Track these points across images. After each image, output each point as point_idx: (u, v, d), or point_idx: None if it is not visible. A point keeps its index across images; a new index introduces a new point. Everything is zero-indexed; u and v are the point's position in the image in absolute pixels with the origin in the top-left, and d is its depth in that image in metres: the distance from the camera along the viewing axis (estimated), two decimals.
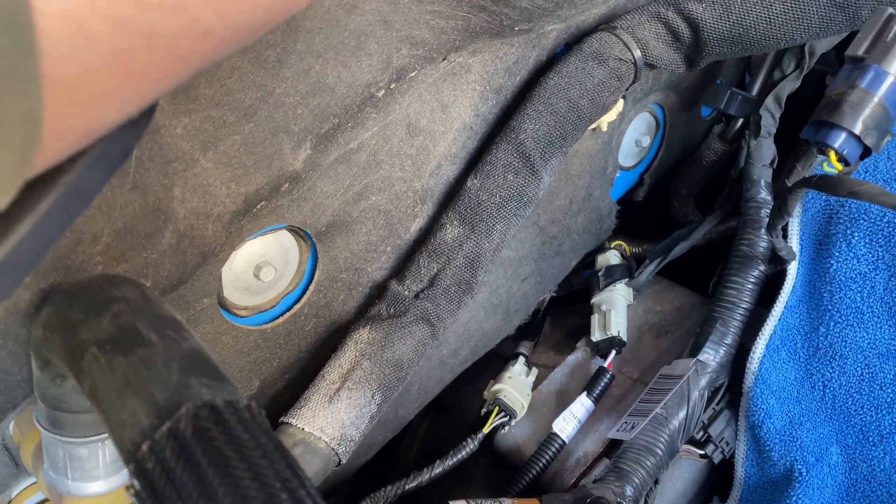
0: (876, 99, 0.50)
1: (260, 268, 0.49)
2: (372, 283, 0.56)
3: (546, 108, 0.54)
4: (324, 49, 0.45)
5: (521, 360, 0.71)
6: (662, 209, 0.82)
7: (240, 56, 0.42)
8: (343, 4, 0.45)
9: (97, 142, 0.25)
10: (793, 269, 0.63)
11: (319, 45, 0.45)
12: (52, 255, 0.38)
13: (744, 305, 0.63)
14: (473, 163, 0.57)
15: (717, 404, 0.63)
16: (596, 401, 0.66)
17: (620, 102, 0.61)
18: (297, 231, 0.51)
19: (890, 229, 0.60)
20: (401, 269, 0.56)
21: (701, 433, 0.62)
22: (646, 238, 0.79)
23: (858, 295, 0.60)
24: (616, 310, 0.70)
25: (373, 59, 0.48)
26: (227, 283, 0.49)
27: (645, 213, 0.80)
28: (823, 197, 0.63)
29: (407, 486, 0.61)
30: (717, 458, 0.63)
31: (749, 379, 0.62)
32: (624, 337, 0.69)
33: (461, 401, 0.75)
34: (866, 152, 0.51)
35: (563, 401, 0.69)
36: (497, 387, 0.68)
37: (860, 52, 0.50)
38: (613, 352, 0.68)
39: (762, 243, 0.63)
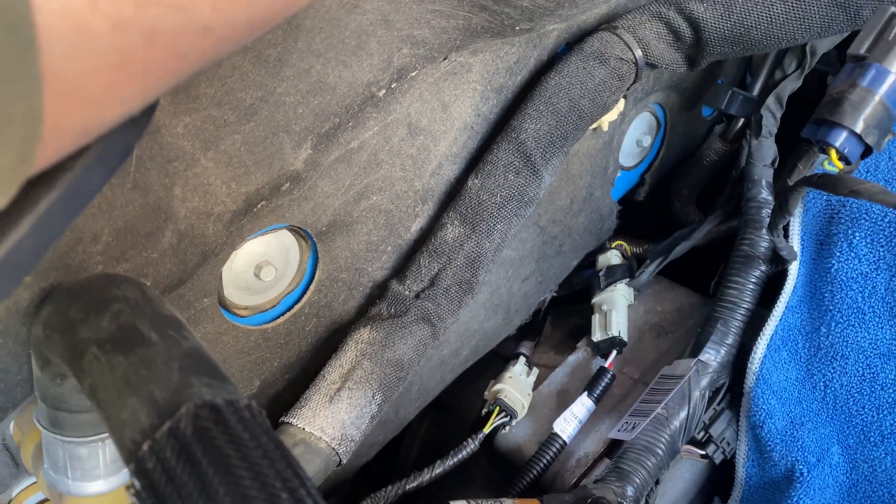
0: (877, 97, 0.49)
1: (260, 267, 0.49)
2: (373, 283, 0.56)
3: (547, 107, 0.54)
4: (325, 48, 0.45)
5: (522, 360, 0.71)
6: (663, 209, 0.82)
7: (240, 55, 0.42)
8: (344, 4, 0.45)
9: (97, 140, 0.25)
10: (794, 269, 0.63)
11: (320, 45, 0.45)
12: (53, 254, 0.38)
13: (745, 305, 0.63)
14: (474, 162, 0.57)
15: (718, 404, 0.63)
16: (597, 401, 0.66)
17: (621, 102, 0.61)
18: (297, 231, 0.50)
19: (891, 229, 0.59)
20: (401, 268, 0.56)
21: (702, 433, 0.62)
22: (647, 238, 0.79)
23: (860, 295, 0.60)
24: (617, 310, 0.70)
25: (374, 59, 0.48)
26: (228, 282, 0.49)
27: (646, 213, 0.80)
28: (825, 197, 0.63)
29: (407, 486, 0.61)
30: (718, 458, 0.63)
31: (750, 379, 0.62)
32: (625, 337, 0.69)
33: (462, 401, 0.75)
34: (867, 151, 0.51)
35: (563, 401, 0.69)
36: (498, 387, 0.68)
37: (862, 51, 0.50)
38: (614, 352, 0.68)
39: (763, 243, 0.63)
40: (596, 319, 0.71)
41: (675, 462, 0.62)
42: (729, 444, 0.63)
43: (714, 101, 0.72)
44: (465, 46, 0.52)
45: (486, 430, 0.64)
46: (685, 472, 0.63)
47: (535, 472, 0.63)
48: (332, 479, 0.63)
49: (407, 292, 0.53)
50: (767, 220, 0.64)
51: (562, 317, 0.79)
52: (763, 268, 0.63)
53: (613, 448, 0.63)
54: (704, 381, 0.61)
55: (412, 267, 0.54)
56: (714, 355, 0.62)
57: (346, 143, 0.49)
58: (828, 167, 0.52)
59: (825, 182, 0.55)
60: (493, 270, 0.63)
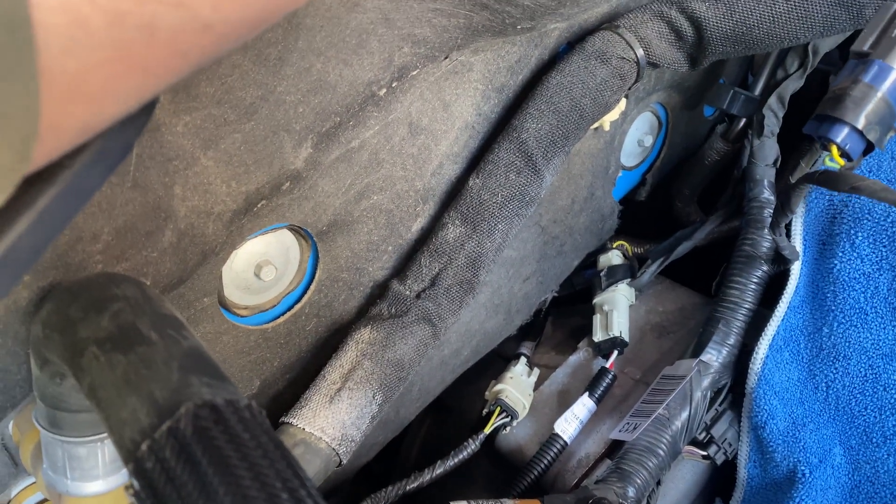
0: (879, 94, 0.49)
1: (261, 267, 0.49)
2: (373, 283, 0.56)
3: (548, 107, 0.54)
4: (325, 47, 0.45)
5: (523, 360, 0.71)
6: (665, 209, 0.81)
7: (241, 54, 0.41)
8: (345, 2, 0.45)
9: (97, 138, 0.25)
10: (796, 269, 0.63)
11: (321, 43, 0.45)
12: (52, 253, 0.38)
13: (747, 306, 0.63)
14: (475, 162, 0.57)
15: (719, 405, 0.63)
16: (598, 401, 0.66)
17: (623, 102, 0.61)
18: (297, 230, 0.50)
19: (894, 229, 0.59)
20: (402, 268, 0.55)
21: (703, 434, 0.62)
22: (648, 238, 0.78)
23: (862, 295, 0.60)
24: (618, 310, 0.70)
25: (374, 58, 0.47)
26: (228, 282, 0.49)
27: (647, 213, 0.79)
28: (827, 196, 0.63)
29: (408, 487, 0.61)
30: (719, 459, 0.63)
31: (752, 379, 0.62)
32: (626, 337, 0.69)
33: (462, 401, 0.75)
34: (869, 148, 0.50)
35: (564, 401, 0.68)
36: (498, 387, 0.67)
37: (865, 48, 0.50)
38: (615, 352, 0.68)
39: (765, 243, 0.63)
40: (597, 320, 0.71)
41: (676, 463, 0.62)
42: (730, 444, 0.63)
43: (716, 101, 0.71)
44: (467, 45, 0.52)
45: (487, 430, 0.64)
46: (686, 473, 0.63)
47: (535, 473, 0.63)
48: (332, 480, 0.63)
49: (408, 292, 0.53)
50: (769, 220, 0.63)
51: (563, 317, 0.79)
52: (765, 268, 0.63)
53: (615, 449, 0.62)
54: (706, 382, 0.61)
55: (413, 267, 0.54)
56: (716, 356, 0.62)
57: (347, 143, 0.48)
58: (829, 164, 0.52)
59: (826, 179, 0.55)
60: (494, 270, 0.63)
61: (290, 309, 0.53)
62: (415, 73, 0.50)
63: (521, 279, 0.66)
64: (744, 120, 0.73)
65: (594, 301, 0.72)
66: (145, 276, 0.42)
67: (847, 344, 0.60)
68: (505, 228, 0.54)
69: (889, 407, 0.59)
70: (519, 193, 0.54)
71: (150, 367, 0.29)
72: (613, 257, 0.75)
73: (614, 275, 0.73)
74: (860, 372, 0.60)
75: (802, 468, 0.60)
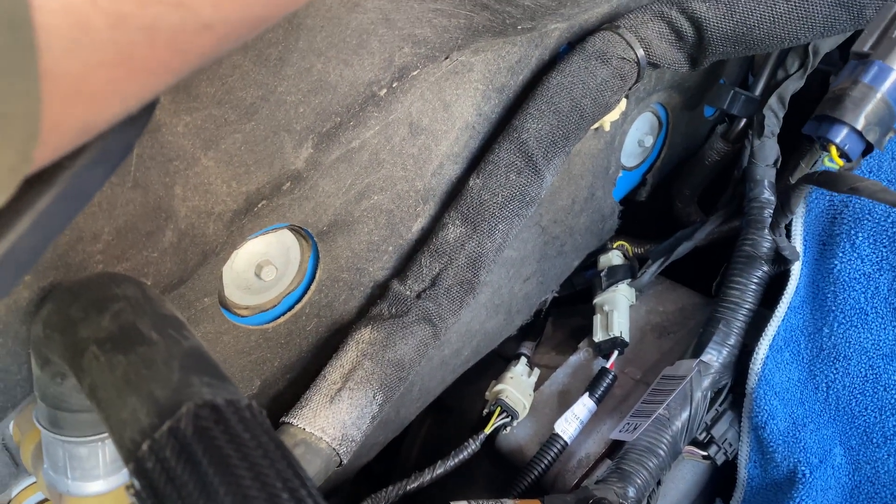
0: (879, 95, 0.49)
1: (261, 267, 0.49)
2: (373, 283, 0.56)
3: (549, 107, 0.54)
4: (326, 47, 0.45)
5: (523, 360, 0.71)
6: (665, 209, 0.81)
7: (241, 54, 0.42)
8: (345, 2, 0.45)
9: (97, 138, 0.25)
10: (796, 269, 0.63)
11: (321, 44, 0.45)
12: (53, 253, 0.38)
13: (747, 306, 0.63)
14: (476, 162, 0.57)
15: (719, 405, 0.63)
16: (598, 401, 0.66)
17: (623, 102, 0.61)
18: (298, 230, 0.50)
19: (894, 229, 0.59)
20: (402, 268, 0.55)
21: (704, 434, 0.62)
22: (648, 238, 0.78)
23: (862, 296, 0.60)
24: (618, 310, 0.70)
25: (375, 58, 0.47)
26: (229, 282, 0.49)
27: (647, 213, 0.79)
28: (827, 197, 0.63)
29: (408, 487, 0.61)
30: (719, 459, 0.63)
31: (752, 380, 0.62)
32: (626, 337, 0.69)
33: (463, 401, 0.75)
34: (868, 149, 0.50)
35: (565, 401, 0.68)
36: (499, 387, 0.67)
37: (865, 48, 0.50)
38: (616, 352, 0.68)
39: (765, 243, 0.63)
40: (597, 320, 0.71)
41: (676, 463, 0.62)
42: (731, 444, 0.63)
43: (716, 101, 0.71)
44: (467, 45, 0.52)
45: (488, 430, 0.64)
46: (687, 473, 0.63)
47: (536, 473, 0.63)
48: (332, 480, 0.63)
49: (408, 292, 0.53)
50: (770, 220, 0.63)
51: (563, 317, 0.79)
52: (765, 268, 0.63)
53: (615, 449, 0.62)
54: (706, 382, 0.61)
55: (413, 267, 0.54)
56: (716, 356, 0.62)
57: (348, 143, 0.49)
58: (828, 164, 0.52)
59: (825, 179, 0.55)
60: (495, 270, 0.63)
61: (290, 309, 0.53)
62: (415, 73, 0.50)
63: (521, 279, 0.66)
64: (744, 120, 0.73)
65: (594, 301, 0.72)
66: (146, 276, 0.42)
67: (847, 344, 0.60)
68: (505, 229, 0.54)
69: (889, 407, 0.59)
70: (519, 194, 0.54)
71: (150, 367, 0.29)
72: (614, 257, 0.75)
73: (615, 275, 0.73)
74: (860, 372, 0.60)
75: (803, 468, 0.60)
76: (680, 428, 0.58)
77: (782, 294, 0.63)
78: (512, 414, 0.66)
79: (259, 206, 0.46)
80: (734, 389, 0.64)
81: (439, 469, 0.62)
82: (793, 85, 0.66)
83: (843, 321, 0.61)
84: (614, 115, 0.61)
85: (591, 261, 0.76)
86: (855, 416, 0.60)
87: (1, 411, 0.42)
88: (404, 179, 0.53)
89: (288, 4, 0.26)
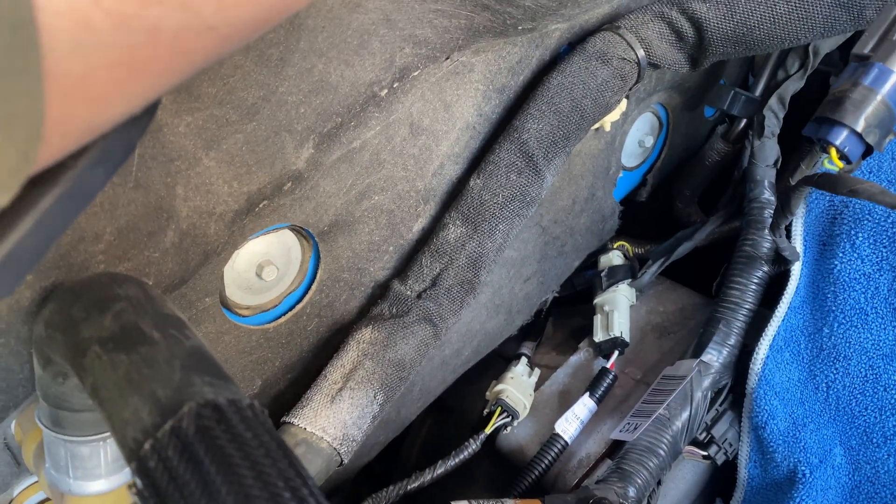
0: (879, 97, 0.49)
1: (262, 267, 0.49)
2: (374, 283, 0.56)
3: (549, 107, 0.54)
4: (327, 48, 0.45)
5: (524, 360, 0.71)
6: (665, 210, 0.82)
7: (242, 54, 0.42)
8: (346, 3, 0.45)
9: (99, 139, 0.25)
10: (796, 269, 0.63)
11: (322, 44, 0.45)
12: (54, 253, 0.38)
13: (747, 306, 0.63)
14: (476, 162, 0.57)
15: (720, 405, 0.63)
16: (598, 401, 0.66)
17: (624, 102, 0.61)
18: (299, 230, 0.50)
19: (894, 230, 0.59)
20: (403, 268, 0.56)
21: (704, 434, 0.62)
22: (649, 239, 0.78)
23: (862, 296, 0.60)
24: (619, 310, 0.70)
25: (376, 58, 0.47)
26: (230, 282, 0.49)
27: (648, 213, 0.80)
28: (827, 197, 0.63)
29: (409, 487, 0.61)
30: (720, 459, 0.63)
31: (752, 380, 0.62)
32: (627, 337, 0.69)
33: (463, 401, 0.75)
34: (868, 151, 0.51)
35: (565, 401, 0.68)
36: (499, 387, 0.68)
37: (866, 51, 0.50)
38: (616, 352, 0.68)
39: (766, 244, 0.63)
40: (598, 320, 0.71)
41: (677, 463, 0.62)
42: (731, 444, 0.63)
43: (716, 102, 0.72)
44: (468, 46, 0.52)
45: (488, 430, 0.64)
46: (687, 473, 0.63)
47: (536, 473, 0.63)
48: (333, 479, 0.63)
49: (409, 292, 0.53)
50: (770, 220, 0.64)
51: (563, 317, 0.79)
52: (765, 268, 0.63)
53: (615, 449, 0.62)
54: (706, 382, 0.61)
55: (414, 267, 0.54)
56: (716, 356, 0.62)
57: (348, 143, 0.49)
58: (828, 166, 0.52)
59: (825, 181, 0.55)
60: (495, 271, 0.63)
61: (291, 309, 0.53)
62: (416, 73, 0.50)
63: (521, 279, 0.66)
64: (744, 121, 0.73)
65: (595, 301, 0.72)
66: (147, 276, 0.42)
67: (847, 344, 0.61)
68: (506, 229, 0.54)
69: (889, 407, 0.59)
70: (520, 194, 0.54)
71: (152, 366, 0.29)
72: (614, 258, 0.75)
73: (615, 275, 0.73)
74: (860, 372, 0.60)
75: (803, 468, 0.60)
76: (680, 428, 0.58)
77: (782, 294, 0.63)
78: (512, 414, 0.66)
79: (260, 206, 0.46)
80: (734, 389, 0.64)
81: (440, 469, 0.62)
82: (793, 85, 0.66)
83: (844, 321, 0.61)
84: (615, 115, 0.61)
85: (591, 261, 0.76)
86: (855, 416, 0.60)
87: (3, 411, 0.42)
88: (405, 180, 0.53)
89: (290, 6, 0.26)
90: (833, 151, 0.50)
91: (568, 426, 0.64)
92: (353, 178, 0.50)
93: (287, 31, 0.43)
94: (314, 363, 0.55)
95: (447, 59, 0.52)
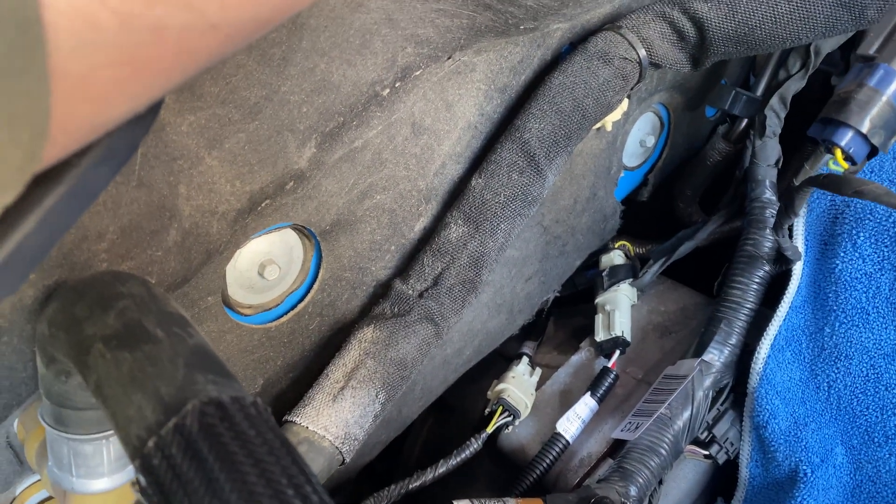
0: (884, 98, 0.49)
1: (264, 266, 0.49)
2: (376, 283, 0.56)
3: (551, 107, 0.54)
4: (329, 47, 0.45)
5: (525, 359, 0.71)
6: (667, 209, 0.82)
7: (245, 54, 0.42)
8: (348, 3, 0.45)
9: (103, 137, 0.25)
10: (798, 269, 0.63)
11: (325, 44, 0.45)
12: (58, 252, 0.38)
13: (748, 306, 0.63)
14: (478, 162, 0.57)
15: (721, 405, 0.63)
16: (600, 401, 0.66)
17: (625, 102, 0.61)
18: (301, 230, 0.51)
19: None
20: (405, 268, 0.56)
21: (705, 433, 0.62)
22: (650, 238, 0.79)
23: (864, 295, 0.60)
24: (620, 310, 0.70)
25: (378, 58, 0.48)
26: (232, 281, 0.49)
27: (649, 213, 0.80)
28: (828, 197, 0.63)
29: (410, 486, 0.61)
30: (721, 458, 0.63)
31: (754, 379, 0.62)
32: (628, 337, 0.69)
33: (465, 400, 0.75)
34: (873, 152, 0.51)
35: (566, 401, 0.68)
36: (501, 386, 0.68)
37: (871, 52, 0.50)
38: (617, 352, 0.68)
39: (767, 243, 0.63)
40: (599, 319, 0.71)
41: (678, 462, 0.62)
42: (732, 444, 0.63)
43: (717, 102, 0.72)
44: (470, 46, 0.52)
45: (490, 429, 0.64)
46: (688, 473, 0.63)
47: (538, 472, 0.63)
48: (335, 478, 0.63)
49: (410, 291, 0.53)
50: (771, 220, 0.64)
51: (565, 317, 0.79)
52: (767, 268, 0.63)
53: (617, 448, 0.62)
54: (708, 382, 0.61)
55: (416, 266, 0.54)
56: (717, 355, 0.62)
57: (350, 142, 0.49)
58: (833, 167, 0.52)
59: (830, 182, 0.55)
60: (497, 270, 0.63)
61: (293, 308, 0.53)
62: (418, 73, 0.50)
63: (523, 279, 0.66)
64: (745, 120, 0.73)
65: (596, 301, 0.72)
66: (150, 274, 0.42)
67: (849, 344, 0.61)
68: (507, 228, 0.54)
69: (891, 407, 0.59)
70: (521, 193, 0.54)
71: (155, 364, 0.29)
72: (615, 257, 0.75)
73: (616, 275, 0.73)
74: (862, 372, 0.60)
75: (804, 468, 0.60)
76: (682, 427, 0.58)
77: (784, 294, 0.63)
78: (514, 413, 0.66)
79: (262, 205, 0.46)
80: (736, 389, 0.64)
81: (441, 468, 0.62)
82: (794, 85, 0.66)
83: (845, 321, 0.61)
84: (616, 115, 0.61)
85: (592, 260, 0.76)
86: (856, 415, 0.60)
87: (6, 409, 0.42)
88: (407, 179, 0.53)
89: (293, 5, 0.26)
90: (838, 152, 0.50)
91: (569, 425, 0.64)
92: (355, 178, 0.50)
93: (289, 30, 0.43)
94: (316, 362, 0.55)
95: (449, 58, 0.52)
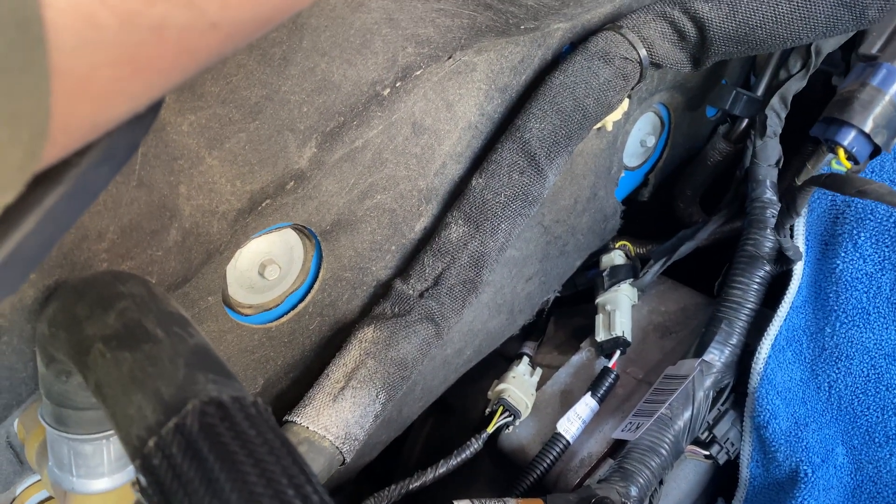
0: (887, 97, 0.49)
1: (265, 266, 0.49)
2: (376, 283, 0.56)
3: (551, 107, 0.54)
4: (329, 47, 0.45)
5: (525, 360, 0.71)
6: (667, 209, 0.82)
7: (245, 53, 0.42)
8: (349, 2, 0.45)
9: (104, 137, 0.25)
10: (798, 269, 0.63)
11: (325, 43, 0.45)
12: (58, 252, 0.38)
13: (749, 306, 0.63)
14: (478, 162, 0.57)
15: (722, 405, 0.63)
16: (600, 401, 0.66)
17: (625, 102, 0.61)
18: (301, 229, 0.51)
19: None
20: (405, 268, 0.56)
21: (706, 434, 0.62)
22: (650, 238, 0.78)
23: (864, 295, 0.60)
24: (621, 310, 0.70)
25: (378, 58, 0.48)
26: (232, 281, 0.49)
27: (650, 213, 0.80)
28: (829, 197, 0.63)
29: (411, 486, 0.61)
30: (721, 458, 0.63)
31: (754, 379, 0.62)
32: (628, 337, 0.69)
33: (465, 400, 0.75)
34: (876, 151, 0.50)
35: (567, 401, 0.68)
36: (501, 387, 0.68)
37: (873, 51, 0.50)
38: (618, 352, 0.68)
39: (768, 243, 0.63)
40: (600, 319, 0.71)
41: (678, 462, 0.62)
42: (733, 444, 0.63)
43: (718, 102, 0.72)
44: (470, 45, 0.52)
45: (490, 429, 0.64)
46: (689, 473, 0.63)
47: (538, 472, 0.63)
48: (335, 479, 0.63)
49: (411, 291, 0.53)
50: (772, 220, 0.64)
51: (565, 317, 0.79)
52: (767, 268, 0.63)
53: (617, 448, 0.62)
54: (708, 382, 0.61)
55: (416, 266, 0.54)
56: (718, 355, 0.62)
57: (351, 142, 0.49)
58: (835, 166, 0.52)
59: (833, 182, 0.55)
60: (497, 270, 0.63)
61: (293, 308, 0.53)
62: (418, 72, 0.50)
63: (523, 279, 0.66)
64: (746, 120, 0.73)
65: (597, 301, 0.72)
66: (150, 274, 0.42)
67: (849, 344, 0.61)
68: (508, 228, 0.54)
69: (891, 407, 0.59)
70: (522, 193, 0.54)
71: (156, 364, 0.29)
72: (616, 257, 0.75)
73: (617, 275, 0.73)
74: (863, 372, 0.60)
75: (805, 468, 0.60)
76: (682, 427, 0.58)
77: (784, 294, 0.63)
78: (514, 413, 0.66)
79: (263, 205, 0.46)
80: (736, 389, 0.64)
81: (441, 468, 0.62)
82: (795, 85, 0.66)
83: (846, 321, 0.61)
84: (617, 114, 0.61)
85: (593, 260, 0.76)
86: (857, 415, 0.60)
87: (6, 409, 0.42)
88: (407, 179, 0.53)
89: (293, 4, 0.26)
90: (841, 152, 0.50)
91: (570, 426, 0.64)
92: (356, 178, 0.50)
93: (290, 30, 0.43)
94: (316, 362, 0.55)
95: (449, 58, 0.52)
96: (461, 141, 0.55)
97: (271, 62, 0.43)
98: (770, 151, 0.66)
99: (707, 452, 0.62)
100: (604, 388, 0.66)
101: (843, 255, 0.61)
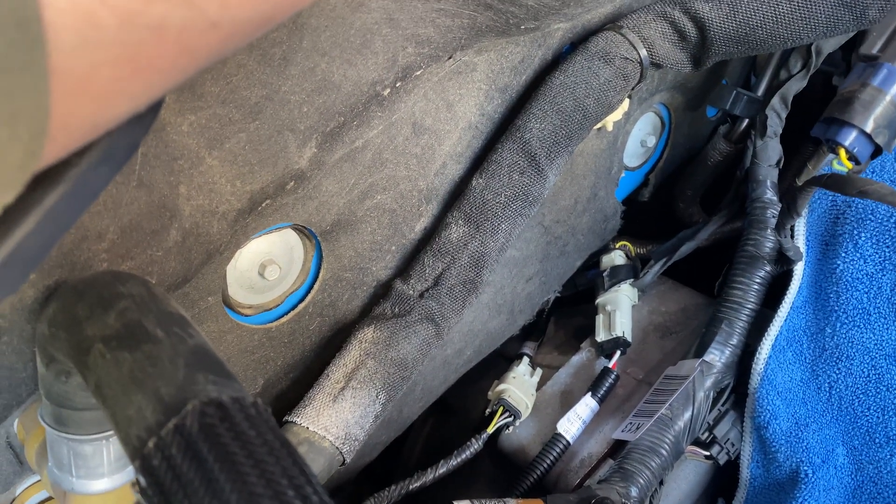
0: (888, 98, 0.49)
1: (265, 266, 0.49)
2: (377, 283, 0.56)
3: (552, 107, 0.54)
4: (329, 47, 0.45)
5: (526, 360, 0.71)
6: (667, 210, 0.82)
7: (245, 53, 0.42)
8: (349, 2, 0.45)
9: (104, 136, 0.25)
10: (799, 269, 0.63)
11: (325, 43, 0.45)
12: (58, 252, 0.38)
13: (749, 306, 0.63)
14: (479, 162, 0.57)
15: (722, 405, 0.63)
16: (601, 401, 0.66)
17: (626, 102, 0.61)
18: (301, 230, 0.50)
19: None
20: (405, 268, 0.56)
21: (706, 434, 0.62)
22: (651, 238, 0.78)
23: (865, 296, 0.60)
24: (621, 310, 0.70)
25: (378, 58, 0.47)
26: (232, 281, 0.49)
27: (650, 213, 0.80)
28: (830, 197, 0.63)
29: (411, 486, 0.61)
30: (722, 459, 0.63)
31: (755, 380, 0.62)
32: (629, 337, 0.69)
33: (465, 401, 0.75)
34: (877, 151, 0.50)
35: (567, 401, 0.68)
36: (501, 387, 0.68)
37: (874, 51, 0.50)
38: (618, 352, 0.68)
39: (768, 243, 0.63)
40: (600, 320, 0.71)
41: (679, 463, 0.62)
42: (733, 444, 0.63)
43: (718, 102, 0.71)
44: (470, 45, 0.52)
45: (490, 430, 0.64)
46: (689, 473, 0.63)
47: (538, 473, 0.63)
48: (335, 479, 0.63)
49: (411, 292, 0.53)
50: (772, 220, 0.63)
51: (565, 317, 0.79)
52: (768, 268, 0.63)
53: (617, 448, 0.62)
54: (709, 382, 0.61)
55: (416, 266, 0.54)
56: (718, 356, 0.62)
57: (351, 142, 0.49)
58: (837, 167, 0.52)
59: (834, 182, 0.55)
60: (497, 270, 0.63)
61: (293, 308, 0.53)
62: (419, 73, 0.50)
63: (524, 279, 0.66)
64: (746, 120, 0.73)
65: (597, 301, 0.72)
66: (150, 274, 0.42)
67: (850, 344, 0.60)
68: (508, 228, 0.54)
69: (892, 407, 0.59)
70: (522, 193, 0.54)
71: (156, 364, 0.29)
72: (616, 257, 0.75)
73: (617, 275, 0.73)
74: (863, 372, 0.60)
75: (805, 468, 0.60)
76: (682, 428, 0.58)
77: (785, 294, 0.63)
78: (514, 414, 0.66)
79: (263, 205, 0.46)
80: (737, 389, 0.64)
81: (442, 469, 0.62)
82: (795, 85, 0.66)
83: (846, 321, 0.61)
84: (617, 115, 0.61)
85: (593, 261, 0.76)
86: (857, 416, 0.60)
87: (6, 409, 0.42)
88: (407, 179, 0.53)
89: (293, 4, 0.26)
90: (842, 152, 0.50)
91: (570, 426, 0.64)
92: (356, 178, 0.50)
93: (290, 30, 0.43)
94: (316, 362, 0.55)
95: (450, 58, 0.52)
96: (461, 141, 0.55)
97: (271, 62, 0.43)
98: (770, 152, 0.66)
99: (707, 453, 0.62)
100: (604, 389, 0.66)
101: (843, 255, 0.61)
